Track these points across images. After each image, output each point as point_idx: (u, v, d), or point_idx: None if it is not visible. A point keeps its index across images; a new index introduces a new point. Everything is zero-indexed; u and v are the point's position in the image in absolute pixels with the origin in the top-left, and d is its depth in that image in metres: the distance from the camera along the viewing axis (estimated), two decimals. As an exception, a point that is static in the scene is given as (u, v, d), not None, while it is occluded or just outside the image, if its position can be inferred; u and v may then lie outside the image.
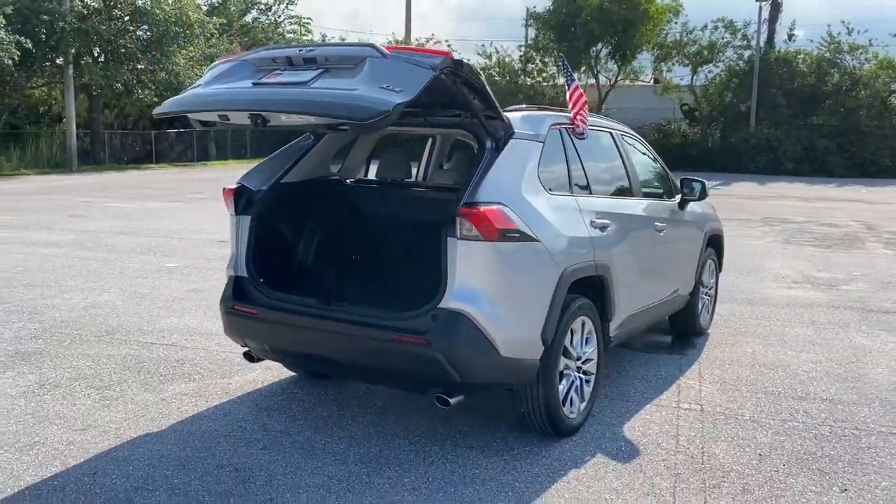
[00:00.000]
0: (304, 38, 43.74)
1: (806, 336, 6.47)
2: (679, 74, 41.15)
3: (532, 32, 38.95)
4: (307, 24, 44.55)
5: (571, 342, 4.12)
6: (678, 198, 5.69)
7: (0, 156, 24.95)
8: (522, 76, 40.88)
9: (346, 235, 4.75)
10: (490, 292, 3.57)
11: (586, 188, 4.48)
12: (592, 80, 40.87)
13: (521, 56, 40.41)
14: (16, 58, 21.71)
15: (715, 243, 6.50)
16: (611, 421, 4.43)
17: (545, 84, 40.44)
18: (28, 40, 22.12)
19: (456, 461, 3.80)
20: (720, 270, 6.79)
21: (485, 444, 4.03)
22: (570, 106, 4.53)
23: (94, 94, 27.00)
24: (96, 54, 26.56)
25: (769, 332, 6.55)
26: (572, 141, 4.46)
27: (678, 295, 5.75)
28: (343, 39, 43.84)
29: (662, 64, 40.06)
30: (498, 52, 40.78)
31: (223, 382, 4.85)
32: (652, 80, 41.35)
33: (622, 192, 4.96)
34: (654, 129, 36.30)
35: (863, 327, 6.84)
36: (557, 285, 3.83)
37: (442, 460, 3.80)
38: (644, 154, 5.62)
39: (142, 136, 31.99)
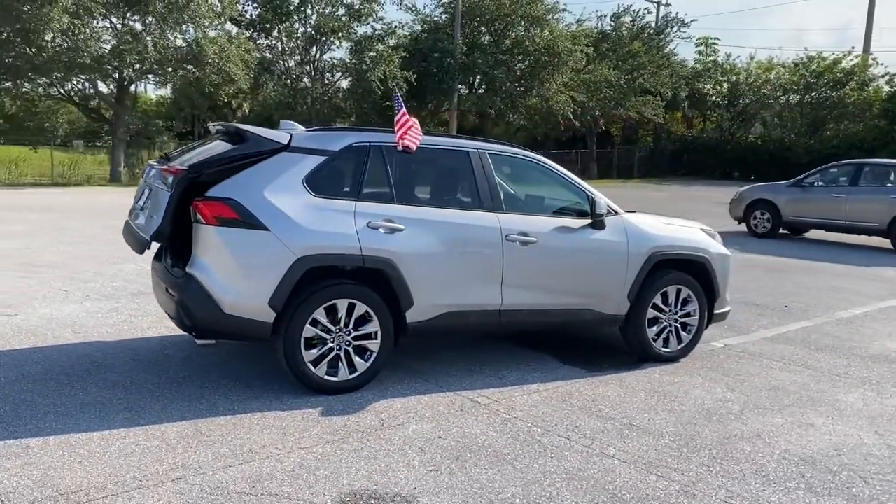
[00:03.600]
0: (709, 59, 43.19)
1: (782, 382, 5.83)
2: None
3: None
4: (714, 44, 43.88)
5: (336, 318, 5.03)
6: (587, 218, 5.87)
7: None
8: None
9: None
10: (213, 263, 4.81)
11: (386, 196, 5.25)
12: None
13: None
14: (404, 88, 26.62)
15: (689, 269, 6.25)
16: (388, 394, 5.12)
17: None
18: (414, 74, 26.93)
19: (208, 398, 5.07)
20: (712, 299, 6.40)
21: (265, 389, 5.17)
22: (396, 129, 5.36)
23: (473, 118, 31.26)
24: (476, 84, 30.75)
25: (744, 372, 6.05)
26: (384, 158, 5.30)
27: (587, 310, 5.90)
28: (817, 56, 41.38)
29: None
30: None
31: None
32: None
33: (458, 204, 5.51)
34: None
35: (887, 385, 5.82)
36: (291, 267, 4.84)
37: (200, 395, 5.13)
38: (541, 177, 5.97)
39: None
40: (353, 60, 26.07)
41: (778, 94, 41.96)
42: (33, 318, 6.77)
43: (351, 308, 5.07)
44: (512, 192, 5.94)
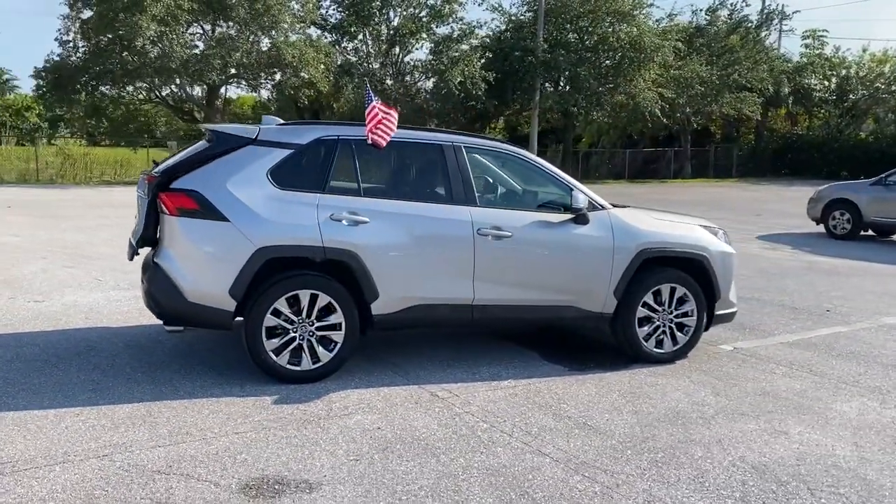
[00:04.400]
0: (815, 52, 40.96)
1: (776, 388, 5.48)
2: None
3: None
4: (822, 36, 41.54)
5: (299, 308, 5.11)
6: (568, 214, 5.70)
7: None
8: None
9: None
10: (177, 253, 4.99)
11: (353, 189, 5.29)
12: None
13: None
14: (483, 88, 26.61)
15: (685, 267, 5.97)
16: (351, 385, 5.15)
17: None
18: (495, 73, 26.85)
19: (174, 383, 5.26)
20: (712, 300, 6.09)
21: (232, 376, 5.32)
22: (367, 122, 5.38)
23: (556, 116, 30.92)
24: (560, 82, 30.34)
25: (740, 376, 5.73)
26: (352, 152, 5.33)
27: (569, 307, 5.75)
28: None
29: None
30: None
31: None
32: None
33: (429, 197, 5.46)
34: None
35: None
36: (250, 258, 4.95)
37: (169, 379, 5.32)
38: (523, 171, 5.85)
39: (611, 153, 35.24)
40: (433, 61, 26.33)
41: (893, 88, 39.35)
42: (57, 304, 7.22)
43: (314, 299, 5.12)
44: (490, 186, 5.85)
